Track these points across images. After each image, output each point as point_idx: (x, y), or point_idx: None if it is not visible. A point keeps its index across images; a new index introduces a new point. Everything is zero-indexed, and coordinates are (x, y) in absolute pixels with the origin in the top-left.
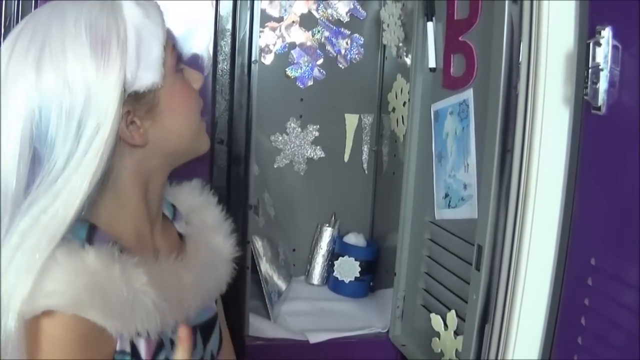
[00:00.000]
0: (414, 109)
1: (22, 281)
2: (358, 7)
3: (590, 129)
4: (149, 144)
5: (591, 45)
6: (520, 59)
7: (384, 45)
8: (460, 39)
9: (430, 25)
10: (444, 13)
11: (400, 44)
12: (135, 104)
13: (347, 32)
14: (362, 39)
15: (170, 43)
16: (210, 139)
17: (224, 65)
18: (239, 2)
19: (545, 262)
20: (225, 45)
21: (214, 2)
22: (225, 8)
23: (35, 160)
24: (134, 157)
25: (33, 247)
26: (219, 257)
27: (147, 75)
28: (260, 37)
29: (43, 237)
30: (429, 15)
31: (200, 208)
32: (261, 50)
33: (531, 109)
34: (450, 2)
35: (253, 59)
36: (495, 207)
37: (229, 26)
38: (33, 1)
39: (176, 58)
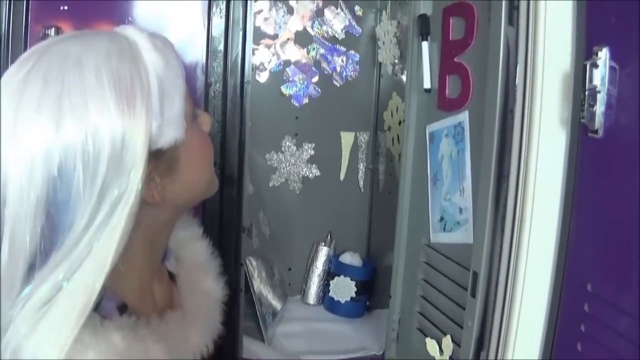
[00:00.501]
0: (408, 130)
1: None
2: (353, 23)
3: (587, 153)
4: (165, 199)
5: (588, 66)
6: (516, 81)
7: (380, 63)
8: (455, 60)
9: (425, 44)
10: (439, 33)
11: (396, 62)
12: (157, 161)
13: (343, 49)
14: (357, 56)
15: (187, 90)
16: None
17: (216, 87)
18: (231, 23)
19: (541, 289)
20: (218, 66)
21: (206, 22)
22: (217, 28)
23: (48, 217)
24: (147, 214)
25: (63, 321)
26: (212, 300)
27: (171, 131)
28: (254, 54)
29: (73, 310)
30: (424, 34)
31: (188, 242)
32: (256, 68)
33: (527, 132)
34: (445, 22)
35: (246, 79)
36: (490, 234)
37: (221, 47)
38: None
39: (192, 105)
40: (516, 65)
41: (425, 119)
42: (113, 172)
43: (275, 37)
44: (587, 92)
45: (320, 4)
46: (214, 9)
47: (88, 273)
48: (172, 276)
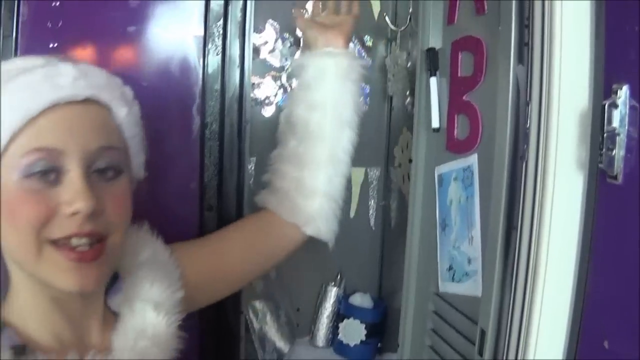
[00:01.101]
0: (417, 172)
1: None
2: (363, 54)
3: (605, 200)
4: None
5: (607, 107)
6: (528, 124)
7: (390, 96)
8: (464, 98)
9: (433, 80)
10: (447, 68)
11: (407, 95)
12: None
13: None
14: (367, 87)
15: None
16: (199, 205)
17: (212, 127)
18: (227, 59)
19: (556, 347)
20: (214, 105)
21: (201, 60)
22: (213, 65)
23: None
24: None
25: None
26: (151, 342)
27: None
28: (259, 88)
29: None
30: (432, 69)
31: (143, 265)
32: (261, 102)
33: (541, 177)
34: (454, 57)
35: (245, 119)
36: (499, 288)
37: (218, 86)
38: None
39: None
40: (527, 106)
41: (434, 159)
42: None
43: (281, 69)
44: (605, 135)
45: None
46: (210, 45)
47: None
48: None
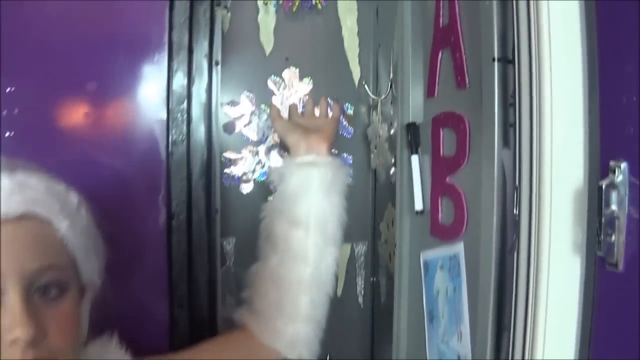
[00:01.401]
0: (401, 258)
1: None
2: (345, 123)
3: (605, 289)
4: None
5: (604, 187)
6: (516, 211)
7: (374, 169)
8: (447, 180)
9: (415, 159)
10: (429, 145)
11: (392, 167)
12: None
13: (334, 151)
14: (350, 158)
15: None
16: (169, 303)
17: (180, 218)
18: (192, 145)
19: None
20: (181, 194)
21: (165, 146)
22: (177, 153)
23: None
24: None
25: None
26: None
27: None
28: (236, 165)
29: None
30: (413, 147)
31: None
32: (239, 178)
33: (534, 271)
34: (435, 133)
35: (214, 208)
36: None
37: (184, 173)
38: None
39: None
40: (515, 191)
41: (419, 243)
42: None
43: (259, 143)
44: (603, 220)
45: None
46: (173, 130)
47: None
48: None
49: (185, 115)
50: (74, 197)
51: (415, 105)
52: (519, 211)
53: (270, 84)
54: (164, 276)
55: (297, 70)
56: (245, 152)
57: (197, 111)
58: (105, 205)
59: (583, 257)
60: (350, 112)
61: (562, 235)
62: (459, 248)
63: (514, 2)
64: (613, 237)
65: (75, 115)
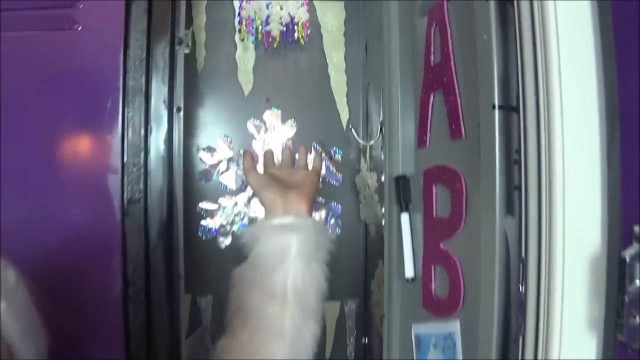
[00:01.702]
0: (391, 327)
1: None
2: (333, 170)
3: None
4: None
5: (628, 258)
6: (522, 287)
7: (364, 221)
8: (441, 246)
9: (405, 217)
10: (420, 203)
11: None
12: None
13: (321, 200)
14: (339, 207)
15: None
16: None
17: (137, 285)
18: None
19: None
20: (139, 259)
21: (120, 213)
22: (133, 213)
23: None
24: None
25: None
26: None
27: None
28: (212, 217)
29: None
30: (403, 204)
31: None
32: (217, 231)
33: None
34: (427, 190)
35: (177, 272)
36: None
37: (141, 240)
38: None
39: None
40: (520, 263)
41: (411, 315)
42: None
43: (238, 192)
44: (626, 298)
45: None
46: (128, 187)
47: None
48: None
49: (142, 170)
50: (10, 275)
51: (405, 154)
52: (526, 288)
53: (250, 127)
54: (119, 351)
55: (279, 111)
56: (223, 202)
57: (156, 165)
58: (52, 274)
59: (600, 342)
60: (338, 157)
61: (577, 319)
62: (454, 327)
63: (517, 36)
64: (637, 319)
65: (20, 167)
